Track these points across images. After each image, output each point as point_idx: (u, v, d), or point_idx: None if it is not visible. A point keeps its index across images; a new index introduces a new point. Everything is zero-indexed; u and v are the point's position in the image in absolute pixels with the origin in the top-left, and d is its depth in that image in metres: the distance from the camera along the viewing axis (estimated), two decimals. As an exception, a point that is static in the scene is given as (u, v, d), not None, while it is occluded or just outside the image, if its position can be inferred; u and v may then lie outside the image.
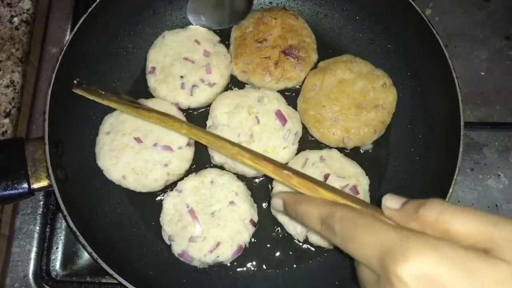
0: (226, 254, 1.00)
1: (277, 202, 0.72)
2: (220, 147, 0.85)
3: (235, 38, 1.19)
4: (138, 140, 1.06)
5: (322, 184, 0.68)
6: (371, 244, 0.52)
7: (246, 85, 1.19)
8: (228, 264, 1.05)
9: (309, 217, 0.63)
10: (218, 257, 1.00)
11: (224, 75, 1.15)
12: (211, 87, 1.13)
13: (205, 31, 1.19)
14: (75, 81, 1.07)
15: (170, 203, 1.03)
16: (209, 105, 1.15)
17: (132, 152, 1.05)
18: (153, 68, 1.14)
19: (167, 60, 1.14)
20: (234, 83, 1.19)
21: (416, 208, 0.54)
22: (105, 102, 1.04)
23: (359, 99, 1.11)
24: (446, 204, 0.52)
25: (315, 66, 1.19)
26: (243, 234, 1.02)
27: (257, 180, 1.12)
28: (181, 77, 1.13)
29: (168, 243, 1.03)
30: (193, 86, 1.12)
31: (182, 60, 1.14)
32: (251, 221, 1.03)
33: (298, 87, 1.18)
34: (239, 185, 1.06)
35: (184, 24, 1.25)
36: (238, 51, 1.17)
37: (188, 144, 1.08)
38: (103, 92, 1.06)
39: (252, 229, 1.04)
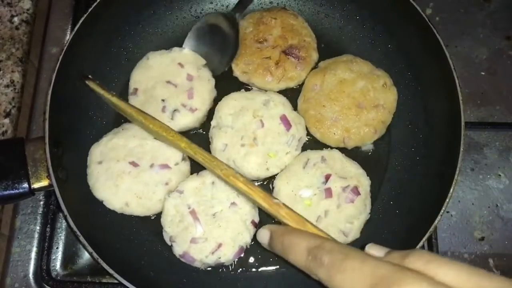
0: (227, 255, 1.00)
1: (263, 234, 0.70)
2: (215, 166, 0.87)
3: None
4: (134, 164, 1.04)
5: (311, 223, 0.69)
6: (363, 273, 0.51)
7: (247, 86, 1.18)
8: (229, 265, 1.05)
9: (295, 248, 0.62)
10: (219, 258, 1.00)
11: (206, 101, 1.12)
12: (192, 113, 1.11)
13: (190, 53, 1.17)
14: (89, 76, 1.05)
15: (171, 204, 1.03)
16: (190, 129, 1.15)
17: (130, 177, 1.03)
18: (136, 89, 1.13)
19: (150, 82, 1.12)
20: (236, 84, 1.19)
21: (402, 257, 0.53)
22: (115, 100, 1.01)
23: (360, 99, 1.11)
24: (432, 254, 0.52)
25: (315, 66, 1.19)
26: (245, 235, 1.01)
27: (259, 182, 1.12)
28: (163, 100, 1.11)
29: (169, 244, 1.03)
30: (174, 110, 1.10)
31: (165, 83, 1.12)
32: (252, 222, 1.03)
33: (299, 87, 1.18)
34: None
35: (184, 23, 1.25)
36: (238, 52, 1.17)
37: (183, 159, 1.08)
38: (114, 93, 1.05)
39: (253, 230, 1.04)
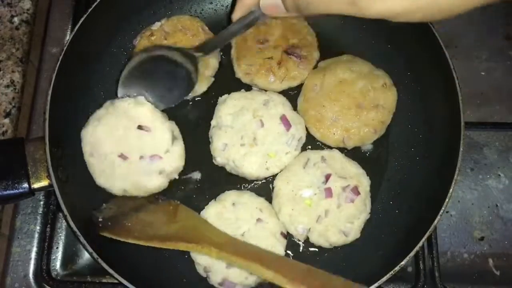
0: None
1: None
2: (255, 269, 0.88)
3: (236, 41, 1.19)
4: (123, 157, 1.02)
5: None
6: None
7: (253, 87, 1.18)
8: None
9: None
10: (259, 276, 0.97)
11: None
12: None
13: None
14: (98, 219, 0.99)
15: None
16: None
17: (122, 168, 1.02)
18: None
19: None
20: (237, 85, 1.19)
21: None
22: (134, 241, 0.96)
23: (360, 99, 1.11)
24: None
25: (316, 65, 1.19)
26: (278, 248, 1.00)
27: (259, 182, 1.12)
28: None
29: (204, 275, 1.00)
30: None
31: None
32: (282, 233, 1.02)
33: (300, 86, 1.18)
34: (260, 201, 1.05)
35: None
36: (240, 54, 1.17)
37: (174, 138, 1.04)
38: (129, 224, 0.98)
39: (284, 242, 1.02)
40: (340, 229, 1.02)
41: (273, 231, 1.01)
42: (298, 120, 1.12)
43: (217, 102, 1.14)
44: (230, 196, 1.05)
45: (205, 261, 0.99)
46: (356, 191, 1.03)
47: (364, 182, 1.06)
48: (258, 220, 1.02)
